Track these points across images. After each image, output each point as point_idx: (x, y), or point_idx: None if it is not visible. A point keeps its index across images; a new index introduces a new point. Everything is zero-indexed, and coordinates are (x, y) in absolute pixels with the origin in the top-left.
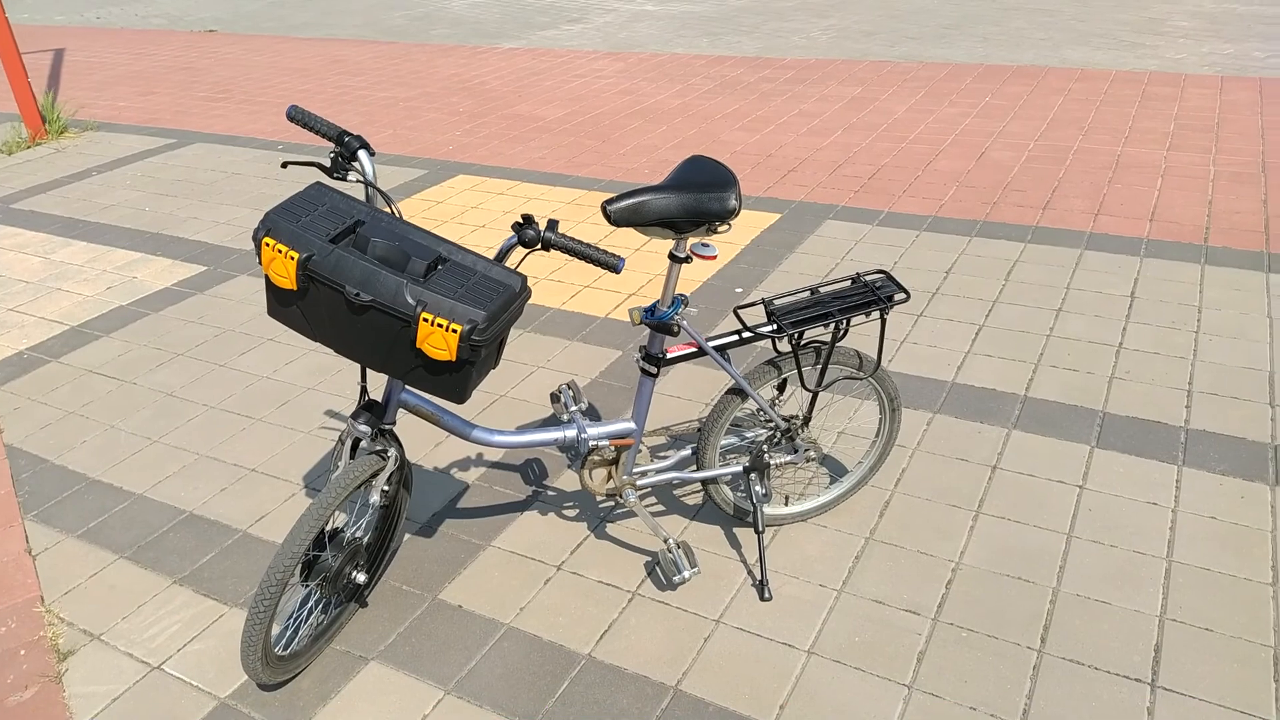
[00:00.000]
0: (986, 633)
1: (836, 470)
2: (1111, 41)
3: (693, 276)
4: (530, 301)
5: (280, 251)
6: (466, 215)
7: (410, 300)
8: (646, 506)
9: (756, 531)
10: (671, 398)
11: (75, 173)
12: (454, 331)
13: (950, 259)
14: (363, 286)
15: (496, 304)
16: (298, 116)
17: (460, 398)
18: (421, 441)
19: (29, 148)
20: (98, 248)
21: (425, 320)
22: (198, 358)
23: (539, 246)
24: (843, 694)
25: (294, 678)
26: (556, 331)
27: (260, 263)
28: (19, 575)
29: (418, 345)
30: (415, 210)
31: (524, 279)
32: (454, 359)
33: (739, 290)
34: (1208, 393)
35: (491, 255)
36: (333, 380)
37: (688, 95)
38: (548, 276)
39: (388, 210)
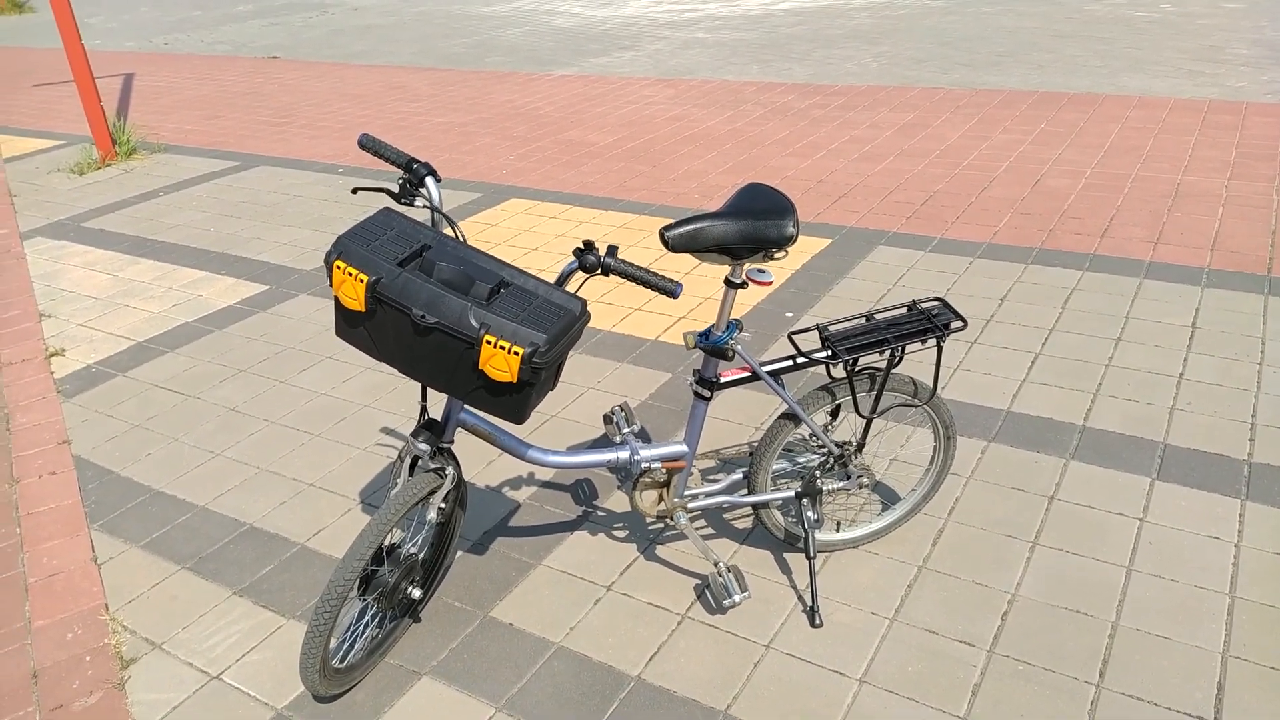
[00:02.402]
0: (1044, 666)
1: (889, 497)
2: (1169, 69)
3: (743, 301)
4: None
5: (350, 274)
6: (519, 238)
7: (474, 323)
8: (697, 529)
9: (808, 557)
10: (722, 421)
11: (143, 193)
12: (515, 354)
13: (1005, 286)
14: (428, 309)
15: (557, 328)
16: (369, 144)
17: (519, 418)
18: (475, 460)
19: (99, 169)
20: (165, 266)
21: (488, 342)
22: (259, 374)
23: (600, 271)
24: None
25: (349, 690)
26: (608, 354)
27: (331, 284)
28: (85, 583)
29: (480, 367)
30: (470, 233)
31: (584, 303)
32: (515, 380)
33: (789, 315)
34: (1272, 426)
35: (549, 278)
36: (389, 398)
37: (738, 121)
38: (600, 299)
39: (452, 235)
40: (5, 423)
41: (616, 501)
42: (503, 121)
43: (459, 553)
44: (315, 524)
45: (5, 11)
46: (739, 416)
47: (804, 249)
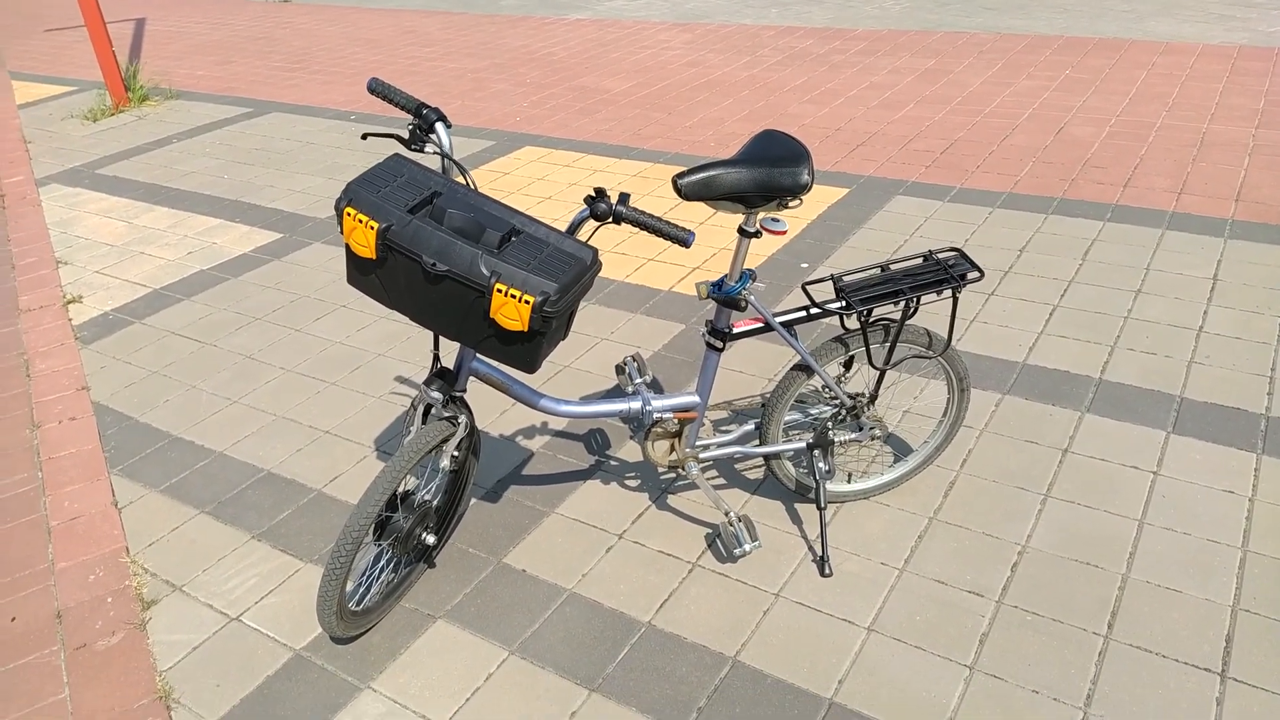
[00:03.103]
0: (1052, 617)
1: (901, 449)
2: (1199, 14)
3: (758, 251)
4: None
5: (361, 221)
6: (533, 186)
7: (485, 271)
8: (708, 479)
9: (819, 507)
10: (735, 372)
11: (157, 139)
12: (526, 303)
13: (1025, 237)
14: (439, 256)
15: (568, 276)
16: (378, 89)
17: (531, 367)
18: (488, 409)
19: (113, 115)
20: (179, 213)
21: (499, 291)
22: (275, 322)
23: (611, 220)
24: (903, 672)
25: (366, 632)
26: (621, 304)
27: (341, 232)
28: (106, 527)
29: (491, 315)
30: (483, 181)
31: (595, 252)
32: (526, 329)
33: (804, 266)
34: None
35: (561, 227)
36: (403, 347)
37: (755, 67)
38: (613, 249)
39: (463, 182)
40: (25, 369)
41: (629, 451)
42: (516, 67)
43: (473, 500)
44: (331, 470)
45: None
46: (751, 368)
47: (821, 199)
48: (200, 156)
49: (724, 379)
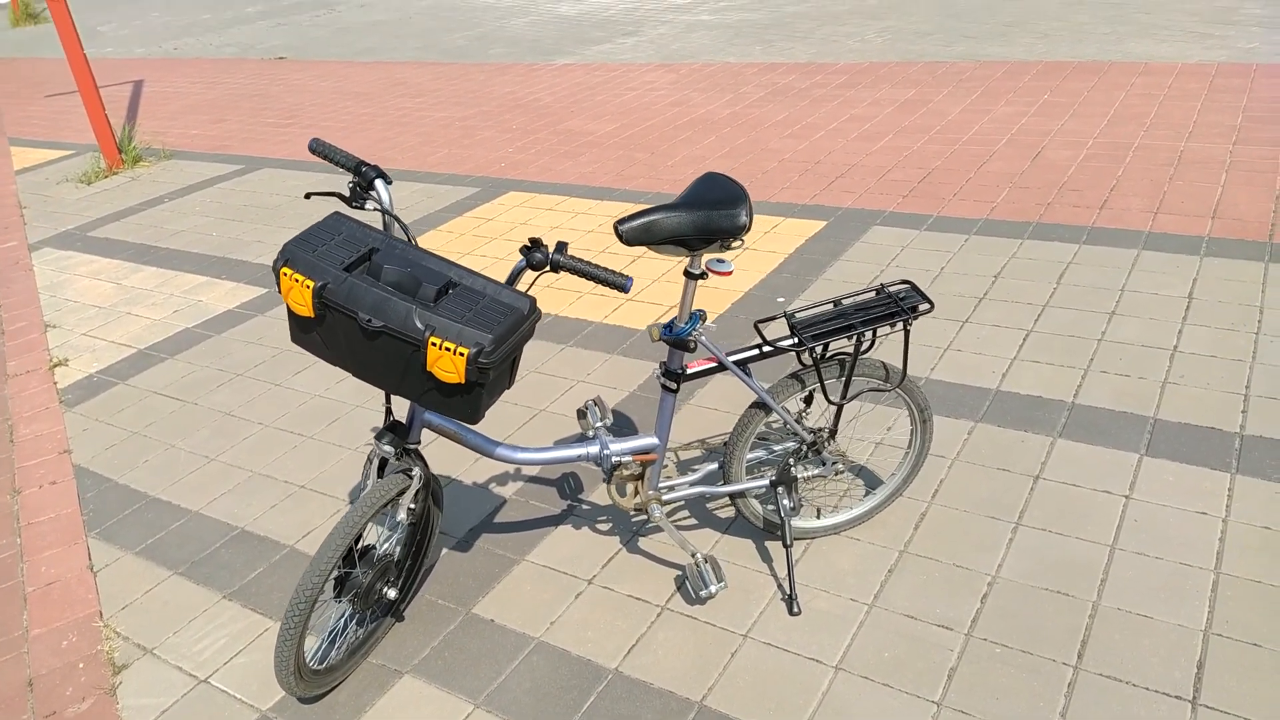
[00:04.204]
0: (1021, 648)
1: (871, 482)
2: (1178, 33)
3: (734, 287)
4: (571, 316)
5: (298, 280)
6: (514, 232)
7: (419, 325)
8: (678, 520)
9: (785, 545)
10: (709, 410)
11: (149, 200)
12: (461, 354)
13: (1000, 263)
14: (374, 313)
15: (504, 326)
16: (319, 149)
17: (473, 418)
18: (460, 458)
19: (106, 177)
20: (167, 272)
21: (434, 344)
22: (256, 378)
23: (549, 269)
24: (870, 711)
25: (331, 690)
26: (598, 345)
27: (280, 291)
28: (81, 591)
29: (428, 368)
30: (467, 228)
31: (532, 301)
32: (463, 381)
33: (780, 300)
34: (1266, 397)
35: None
36: (379, 397)
37: (738, 104)
38: (591, 291)
39: (404, 238)
40: (9, 434)
41: (601, 494)
42: (503, 114)
43: (444, 550)
44: (305, 525)
45: (21, 23)
46: (725, 404)
47: (799, 232)
48: (190, 215)
49: (699, 416)
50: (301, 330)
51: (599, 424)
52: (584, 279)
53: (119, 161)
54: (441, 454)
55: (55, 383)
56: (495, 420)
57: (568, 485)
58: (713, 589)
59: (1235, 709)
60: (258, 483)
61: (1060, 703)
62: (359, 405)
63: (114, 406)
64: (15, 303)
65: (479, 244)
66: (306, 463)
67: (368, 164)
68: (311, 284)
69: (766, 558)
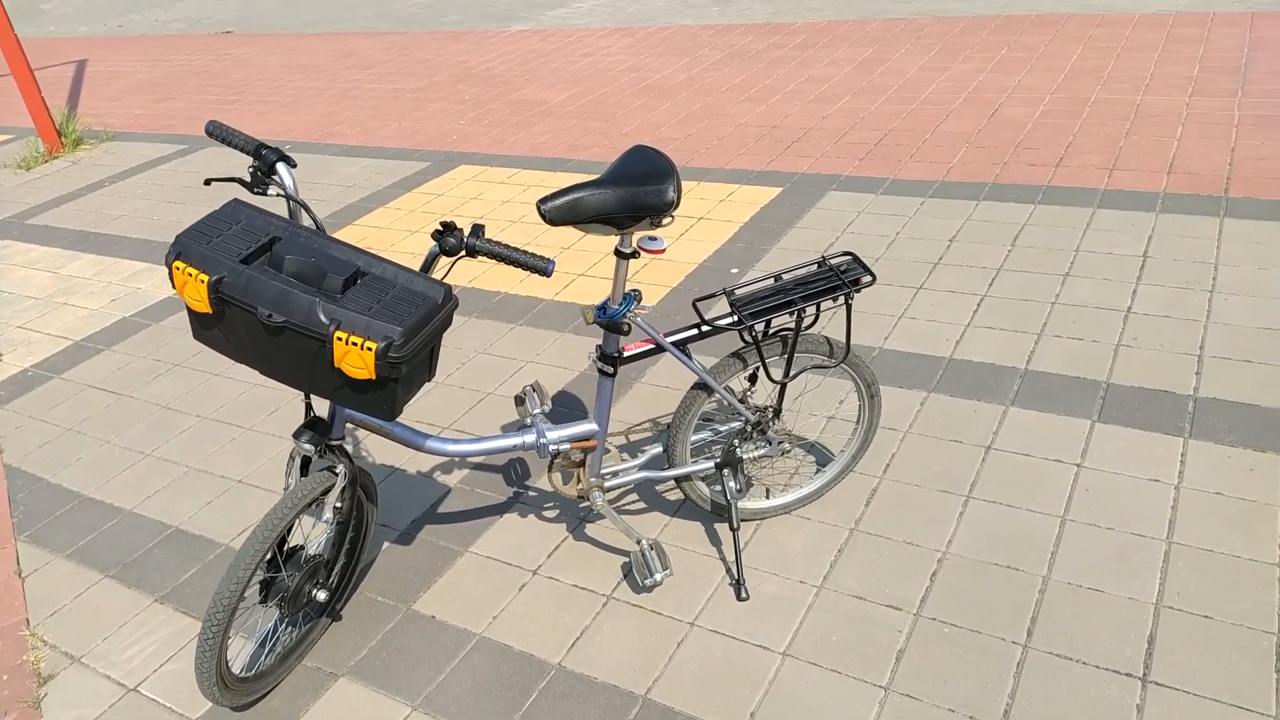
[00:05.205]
0: (970, 627)
1: (821, 459)
2: None
3: (687, 259)
4: (522, 294)
5: (191, 275)
6: (465, 207)
7: (323, 319)
8: (625, 504)
9: (731, 529)
10: (662, 388)
11: (89, 184)
12: (369, 349)
13: (955, 226)
14: (275, 307)
15: (415, 318)
16: (215, 132)
17: (390, 414)
18: (402, 448)
19: (45, 162)
20: (106, 259)
21: (339, 339)
22: (194, 367)
23: (463, 254)
24: (816, 698)
25: (263, 697)
26: (548, 324)
27: (174, 288)
28: (8, 598)
29: (336, 365)
30: (416, 204)
31: (448, 289)
32: (374, 377)
33: (734, 271)
34: (1220, 357)
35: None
36: None
37: (694, 68)
38: None
39: (310, 224)
40: None
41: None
42: (454, 85)
43: (385, 544)
44: (241, 522)
45: None
46: (678, 382)
47: (753, 199)
48: (131, 199)
49: (655, 396)
50: (202, 327)
51: (537, 411)
52: (503, 263)
53: (59, 145)
54: (381, 444)
55: None
56: (440, 405)
57: (514, 472)
58: (658, 577)
59: (1186, 685)
60: (193, 478)
61: (1009, 684)
62: (299, 395)
63: (48, 402)
64: None
65: (427, 221)
66: (244, 456)
67: (268, 146)
68: (206, 278)
69: (715, 541)
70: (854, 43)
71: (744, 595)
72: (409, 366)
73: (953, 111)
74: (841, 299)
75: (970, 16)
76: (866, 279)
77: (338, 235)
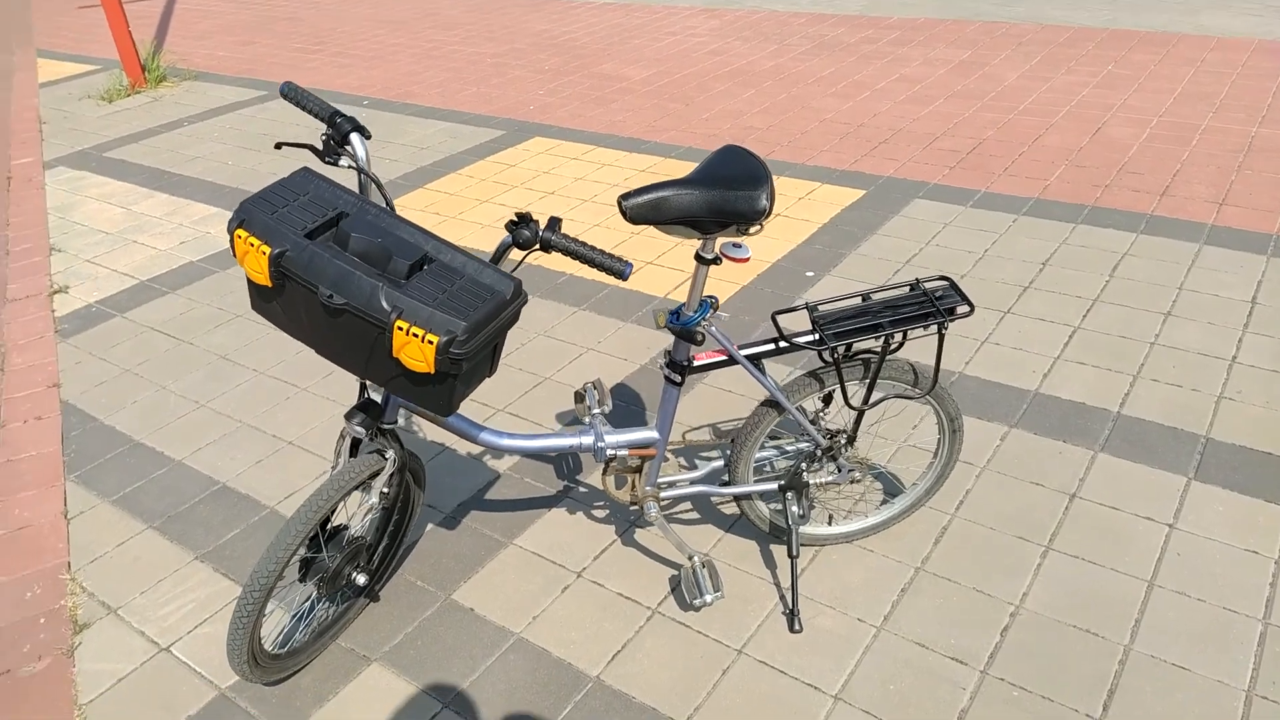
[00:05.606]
0: (1041, 694)
1: (890, 488)
2: (1257, 5)
3: (761, 256)
4: (587, 278)
5: (253, 245)
6: (536, 180)
7: (385, 305)
8: (677, 514)
9: (790, 555)
10: (726, 392)
11: (167, 122)
12: (430, 343)
13: (1049, 249)
14: (336, 288)
15: (481, 312)
16: (290, 94)
17: (445, 410)
18: None
19: (128, 96)
20: (178, 200)
21: (400, 329)
22: (256, 320)
23: (539, 248)
24: None
25: (296, 673)
26: (612, 312)
27: (234, 256)
28: (52, 539)
29: (394, 355)
30: (487, 173)
31: (517, 284)
32: (433, 371)
33: (810, 274)
34: None
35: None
36: None
37: (782, 56)
38: (612, 249)
39: (380, 201)
40: (1, 362)
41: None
42: (536, 53)
43: (429, 525)
44: (288, 486)
45: None
46: (741, 387)
47: (834, 200)
48: (208, 141)
49: (715, 400)
50: (261, 299)
51: (596, 410)
52: (578, 261)
53: (142, 80)
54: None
55: (53, 310)
56: (497, 387)
57: (566, 465)
58: (708, 598)
59: None
60: (245, 435)
61: None
62: None
63: (109, 340)
64: (23, 222)
65: (498, 190)
66: (298, 416)
67: (343, 115)
68: (268, 250)
69: (770, 563)
70: (951, 43)
71: (797, 627)
72: (470, 363)
73: (1053, 125)
74: (934, 327)
75: (1076, 27)
76: (963, 309)
77: (407, 197)
